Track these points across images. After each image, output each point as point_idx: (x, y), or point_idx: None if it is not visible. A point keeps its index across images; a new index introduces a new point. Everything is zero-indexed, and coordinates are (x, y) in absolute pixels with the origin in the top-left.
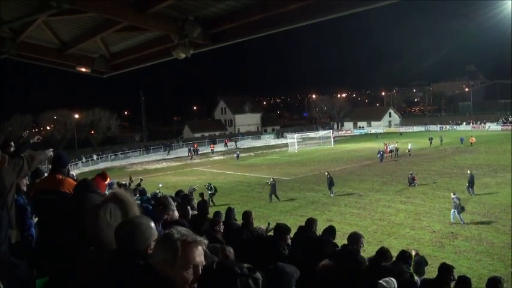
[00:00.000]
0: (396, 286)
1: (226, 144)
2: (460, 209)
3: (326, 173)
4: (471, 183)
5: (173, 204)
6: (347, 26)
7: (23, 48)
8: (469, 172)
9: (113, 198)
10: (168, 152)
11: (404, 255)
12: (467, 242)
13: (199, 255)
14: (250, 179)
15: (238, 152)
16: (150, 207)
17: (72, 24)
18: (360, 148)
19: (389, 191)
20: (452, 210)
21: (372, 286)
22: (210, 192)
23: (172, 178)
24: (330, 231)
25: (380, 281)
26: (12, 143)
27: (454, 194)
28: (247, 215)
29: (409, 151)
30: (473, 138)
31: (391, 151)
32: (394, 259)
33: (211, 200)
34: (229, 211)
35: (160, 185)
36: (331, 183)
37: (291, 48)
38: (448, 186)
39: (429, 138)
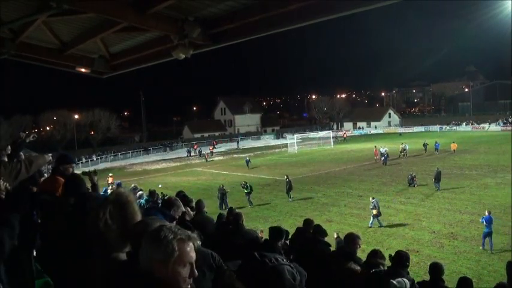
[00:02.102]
0: (408, 286)
1: (214, 146)
2: (378, 213)
3: (285, 177)
4: (437, 178)
5: (182, 205)
6: (347, 26)
7: (22, 48)
8: (436, 168)
9: (114, 198)
10: (192, 154)
11: (400, 258)
12: (467, 242)
13: (193, 251)
14: (250, 180)
15: (247, 158)
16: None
17: (72, 24)
18: (360, 149)
19: (389, 191)
20: (372, 214)
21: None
22: (246, 191)
23: (172, 178)
24: (319, 230)
25: (392, 281)
26: (9, 146)
27: (373, 198)
28: (237, 216)
29: (405, 151)
30: (455, 144)
31: (382, 154)
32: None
33: (249, 200)
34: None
35: (160, 186)
36: (289, 188)
37: (291, 49)
38: (447, 186)
39: (423, 144)
